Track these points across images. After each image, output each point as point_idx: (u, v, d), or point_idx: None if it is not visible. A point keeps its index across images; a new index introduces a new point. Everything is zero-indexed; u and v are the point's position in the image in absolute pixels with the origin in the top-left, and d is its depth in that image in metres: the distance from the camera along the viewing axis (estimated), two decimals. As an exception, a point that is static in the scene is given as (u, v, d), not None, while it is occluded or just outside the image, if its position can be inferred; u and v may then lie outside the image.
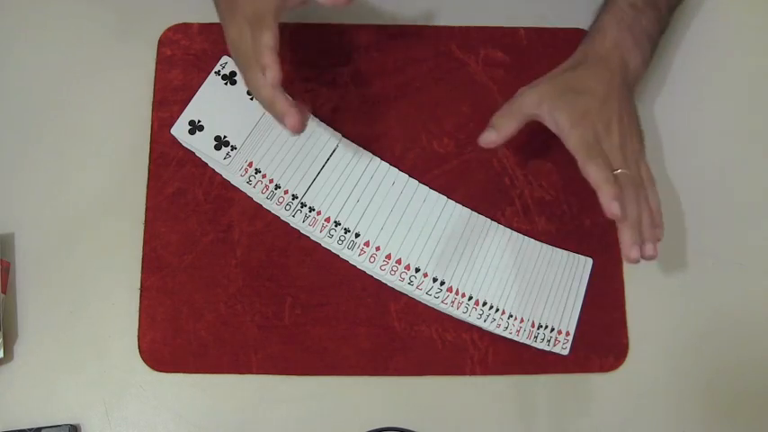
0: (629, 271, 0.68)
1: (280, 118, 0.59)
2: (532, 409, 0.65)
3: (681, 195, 0.70)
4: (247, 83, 0.61)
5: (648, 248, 0.59)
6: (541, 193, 0.69)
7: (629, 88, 0.65)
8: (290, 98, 0.59)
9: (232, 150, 0.67)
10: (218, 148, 0.67)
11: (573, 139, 0.60)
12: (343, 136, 0.69)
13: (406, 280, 0.65)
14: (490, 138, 0.62)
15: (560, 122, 0.60)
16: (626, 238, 0.58)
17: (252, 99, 0.69)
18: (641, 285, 0.67)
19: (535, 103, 0.62)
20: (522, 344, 0.65)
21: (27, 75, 0.71)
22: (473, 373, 0.65)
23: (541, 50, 0.73)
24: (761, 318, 0.67)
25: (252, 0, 0.60)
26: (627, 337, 0.66)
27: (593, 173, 0.58)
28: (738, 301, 0.68)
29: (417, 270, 0.65)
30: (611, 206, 0.57)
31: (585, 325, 0.66)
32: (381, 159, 0.68)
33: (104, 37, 0.72)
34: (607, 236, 0.68)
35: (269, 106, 0.59)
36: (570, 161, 0.69)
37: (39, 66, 0.71)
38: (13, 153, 0.69)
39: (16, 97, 0.70)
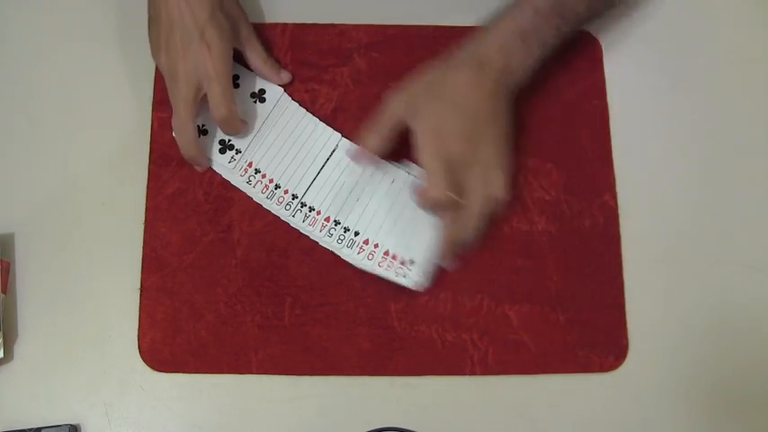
0: (629, 271, 0.68)
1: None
2: (532, 409, 0.65)
3: (681, 195, 0.70)
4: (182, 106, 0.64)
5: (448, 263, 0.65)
6: (541, 193, 0.69)
7: (507, 96, 0.64)
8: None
9: (237, 154, 0.67)
10: (222, 151, 0.68)
11: (423, 158, 0.61)
12: (342, 136, 0.69)
13: (401, 273, 0.65)
14: (359, 156, 0.64)
15: (415, 136, 0.61)
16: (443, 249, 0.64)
17: (255, 102, 0.69)
18: (641, 285, 0.67)
19: (400, 112, 0.62)
20: (522, 344, 0.65)
21: (27, 75, 0.71)
22: (473, 373, 0.65)
23: (541, 50, 0.73)
24: (761, 318, 0.67)
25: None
26: (627, 337, 0.66)
27: (433, 200, 0.61)
28: (739, 301, 0.68)
29: (412, 262, 0.65)
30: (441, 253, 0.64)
31: (585, 325, 0.66)
32: (381, 159, 0.68)
33: (105, 37, 0.72)
34: (607, 236, 0.68)
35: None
36: (570, 161, 0.70)
37: (39, 66, 0.71)
38: (13, 153, 0.69)
39: (16, 97, 0.70)
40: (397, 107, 0.63)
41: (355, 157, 0.64)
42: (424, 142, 0.61)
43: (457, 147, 0.61)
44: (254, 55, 0.68)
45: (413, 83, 0.64)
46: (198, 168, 0.68)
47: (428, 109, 0.62)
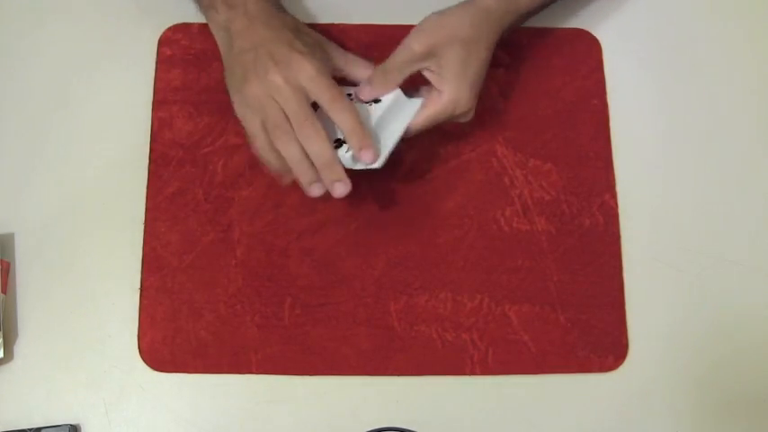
0: (629, 271, 0.68)
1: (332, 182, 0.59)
2: (532, 409, 0.65)
3: (681, 195, 0.70)
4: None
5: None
6: (541, 193, 0.69)
7: (496, 39, 0.64)
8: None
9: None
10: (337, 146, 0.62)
11: (439, 106, 0.61)
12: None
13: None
14: (364, 93, 0.63)
15: (444, 85, 0.61)
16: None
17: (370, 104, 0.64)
18: (641, 285, 0.67)
19: (424, 55, 0.61)
20: (522, 344, 0.65)
21: (27, 75, 0.71)
22: (473, 373, 0.65)
23: (541, 50, 0.73)
24: (761, 318, 0.67)
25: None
26: (627, 337, 0.66)
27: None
28: (738, 301, 0.68)
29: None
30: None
31: (585, 325, 0.66)
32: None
33: (105, 37, 0.72)
34: (607, 236, 0.68)
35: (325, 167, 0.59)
36: (570, 161, 0.70)
37: (39, 66, 0.71)
38: (13, 153, 0.69)
39: (16, 97, 0.70)
40: (420, 51, 0.61)
41: (362, 95, 0.62)
42: (451, 96, 0.61)
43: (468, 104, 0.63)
44: (359, 66, 0.65)
45: (430, 25, 0.62)
46: (283, 182, 0.62)
47: (452, 56, 0.61)
